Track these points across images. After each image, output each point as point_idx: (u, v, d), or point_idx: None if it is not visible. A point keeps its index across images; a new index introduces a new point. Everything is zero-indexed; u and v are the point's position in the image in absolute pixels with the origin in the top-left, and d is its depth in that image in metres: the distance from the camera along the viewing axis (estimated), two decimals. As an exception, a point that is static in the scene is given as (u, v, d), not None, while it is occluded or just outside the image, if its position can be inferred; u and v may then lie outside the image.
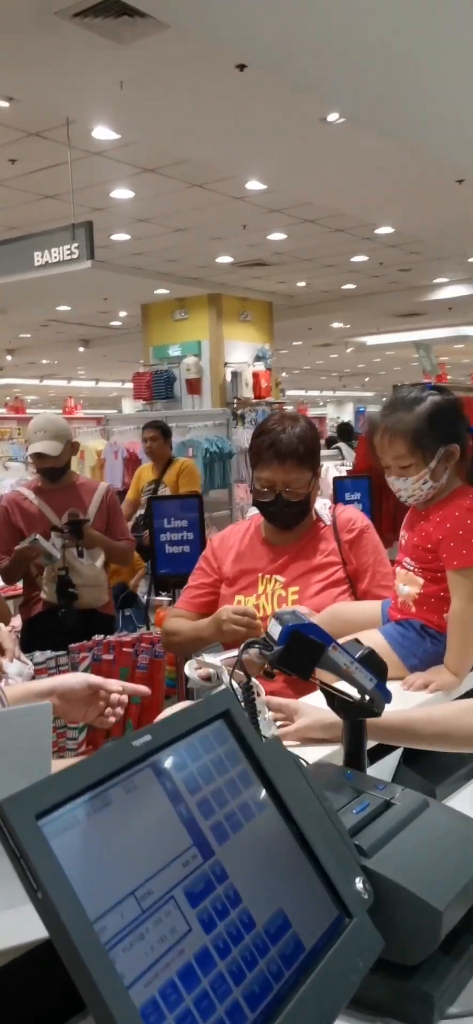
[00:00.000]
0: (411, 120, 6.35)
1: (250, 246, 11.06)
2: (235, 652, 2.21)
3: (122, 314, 15.49)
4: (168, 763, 0.93)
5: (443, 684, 1.89)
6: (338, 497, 4.67)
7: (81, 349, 19.29)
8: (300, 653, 1.28)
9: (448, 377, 13.24)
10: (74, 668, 3.08)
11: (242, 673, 1.59)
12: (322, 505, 2.60)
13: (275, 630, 1.29)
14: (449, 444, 2.00)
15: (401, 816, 1.16)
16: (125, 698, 1.53)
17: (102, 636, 3.23)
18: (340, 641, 1.32)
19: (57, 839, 0.78)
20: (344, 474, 6.01)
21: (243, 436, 8.03)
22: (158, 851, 0.86)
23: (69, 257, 6.85)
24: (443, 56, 5.25)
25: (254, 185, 8.38)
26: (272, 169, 7.89)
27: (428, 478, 1.99)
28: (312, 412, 25.45)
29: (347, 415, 29.84)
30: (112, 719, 1.54)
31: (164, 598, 4.03)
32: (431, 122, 6.41)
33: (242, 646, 1.35)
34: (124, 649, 3.14)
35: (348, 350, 20.40)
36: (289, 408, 13.88)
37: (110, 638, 3.25)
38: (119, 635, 3.29)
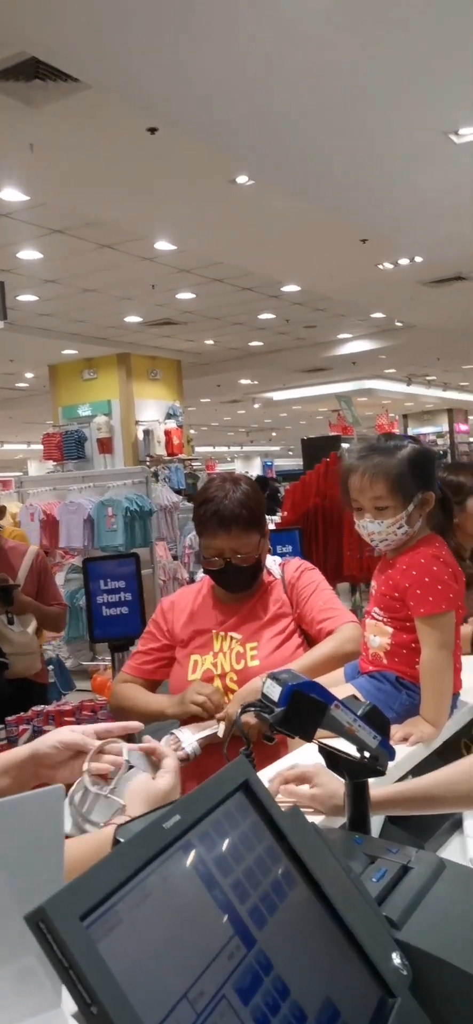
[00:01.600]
0: (317, 182, 6.53)
1: (159, 305, 11.09)
2: (211, 727, 2.14)
3: (29, 375, 15.25)
4: (198, 844, 0.86)
5: (422, 736, 1.85)
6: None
7: (-15, 412, 18.88)
8: (302, 713, 1.22)
9: (354, 429, 13.53)
10: (12, 742, 2.93)
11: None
12: (272, 561, 2.56)
13: (274, 691, 1.23)
14: (426, 491, 2.00)
15: (422, 881, 1.11)
16: (120, 760, 1.39)
17: (41, 707, 3.09)
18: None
19: (103, 942, 0.70)
20: (273, 527, 6.04)
21: (162, 494, 7.98)
22: (202, 944, 0.78)
23: (-20, 319, 6.69)
24: (347, 119, 5.42)
25: (163, 245, 8.42)
26: (181, 230, 7.95)
27: (404, 522, 1.98)
28: (220, 467, 25.62)
29: (255, 469, 30.15)
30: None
31: (101, 663, 3.89)
32: (336, 184, 6.60)
33: (239, 711, 1.28)
34: (66, 719, 3.00)
35: (255, 406, 20.66)
36: (197, 464, 13.90)
37: (48, 708, 3.12)
38: (58, 704, 3.16)
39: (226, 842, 0.89)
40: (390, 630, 1.99)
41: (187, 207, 7.12)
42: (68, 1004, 0.91)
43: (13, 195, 6.69)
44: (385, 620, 2.01)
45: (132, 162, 5.95)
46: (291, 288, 10.56)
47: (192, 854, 0.84)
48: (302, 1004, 0.82)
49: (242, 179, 6.39)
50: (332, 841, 1.09)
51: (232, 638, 2.38)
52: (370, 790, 1.36)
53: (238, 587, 2.43)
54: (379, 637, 2.02)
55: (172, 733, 1.59)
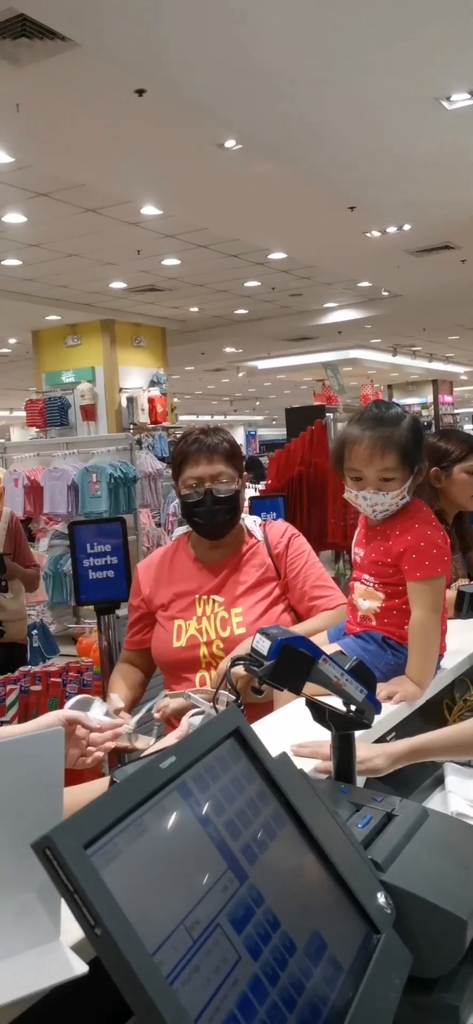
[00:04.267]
0: (306, 148, 6.50)
1: (143, 271, 11.03)
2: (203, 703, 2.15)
3: (12, 341, 15.13)
4: (193, 785, 0.90)
5: (407, 694, 1.90)
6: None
7: (-33, 378, 18.74)
8: (291, 667, 1.25)
9: (338, 399, 13.54)
10: (0, 702, 2.95)
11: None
12: (253, 522, 2.56)
13: (263, 645, 1.26)
14: (422, 462, 2.03)
15: (405, 827, 1.15)
16: (110, 733, 1.46)
17: (27, 668, 3.11)
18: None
19: (105, 869, 0.73)
20: (258, 493, 6.08)
21: (146, 461, 7.96)
22: (197, 877, 0.82)
23: (-35, 281, 6.63)
24: (337, 85, 5.39)
25: (149, 210, 8.36)
26: (168, 194, 7.90)
27: (406, 493, 2.01)
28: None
29: (238, 439, 30.12)
30: (90, 760, 1.46)
31: (86, 625, 3.92)
32: (325, 150, 6.57)
33: (229, 663, 1.32)
34: (52, 680, 3.03)
35: (239, 374, 20.61)
36: (180, 433, 13.85)
37: (35, 669, 3.15)
38: (44, 666, 3.19)
39: (219, 784, 0.93)
40: (381, 595, 2.02)
41: (174, 171, 7.07)
42: (66, 937, 0.95)
43: (-1, 157, 6.62)
44: (376, 586, 2.03)
45: (119, 124, 5.89)
46: (277, 255, 10.52)
47: (187, 793, 0.88)
48: (292, 936, 0.86)
49: (230, 143, 6.34)
50: (320, 789, 1.13)
51: (214, 601, 2.37)
52: (414, 738, 1.47)
53: (215, 524, 2.38)
54: (369, 601, 2.04)
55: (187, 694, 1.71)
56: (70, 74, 5.05)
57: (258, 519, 2.62)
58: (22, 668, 3.09)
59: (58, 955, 0.92)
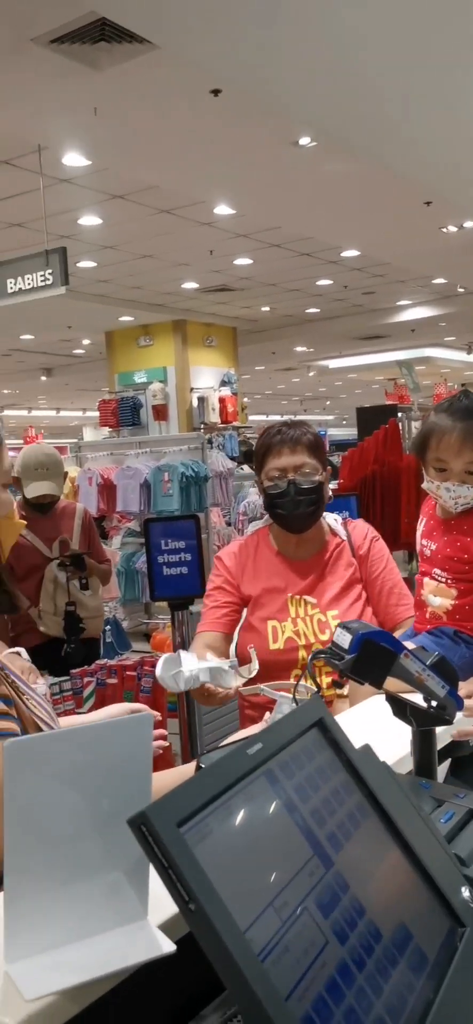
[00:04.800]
0: (383, 143, 6.43)
1: (215, 271, 11.10)
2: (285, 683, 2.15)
3: (85, 342, 15.42)
4: (279, 772, 0.91)
5: (485, 694, 1.87)
6: (327, 516, 4.67)
7: (43, 378, 19.16)
8: (372, 661, 1.25)
9: (412, 398, 13.36)
10: (77, 694, 3.02)
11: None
12: (334, 519, 2.53)
13: (344, 639, 1.26)
14: None
15: (489, 823, 1.15)
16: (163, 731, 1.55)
17: (104, 661, 3.18)
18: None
19: (198, 848, 0.75)
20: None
21: (217, 460, 8.01)
22: (284, 860, 0.83)
23: (43, 283, 6.78)
24: (411, 79, 5.33)
25: (222, 210, 8.41)
26: (242, 193, 7.93)
27: None
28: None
29: (308, 439, 29.89)
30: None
31: (160, 621, 3.97)
32: (403, 145, 6.50)
33: (310, 657, 1.32)
34: (127, 673, 3.09)
35: (310, 374, 20.55)
36: (250, 432, 13.94)
37: (110, 662, 3.21)
38: (119, 659, 3.25)
39: (304, 772, 0.94)
40: (454, 591, 1.99)
41: (247, 170, 7.09)
42: (154, 916, 0.97)
43: (76, 160, 6.75)
44: (449, 582, 2.01)
45: (195, 125, 5.94)
46: (350, 253, 10.46)
47: (273, 780, 0.89)
48: (377, 924, 0.86)
49: (304, 140, 6.33)
50: (401, 784, 1.13)
51: (307, 603, 2.35)
52: None
53: (298, 514, 2.35)
54: (440, 598, 2.02)
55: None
56: (147, 76, 5.11)
57: (339, 517, 2.56)
58: (98, 661, 3.15)
59: (146, 933, 0.94)
